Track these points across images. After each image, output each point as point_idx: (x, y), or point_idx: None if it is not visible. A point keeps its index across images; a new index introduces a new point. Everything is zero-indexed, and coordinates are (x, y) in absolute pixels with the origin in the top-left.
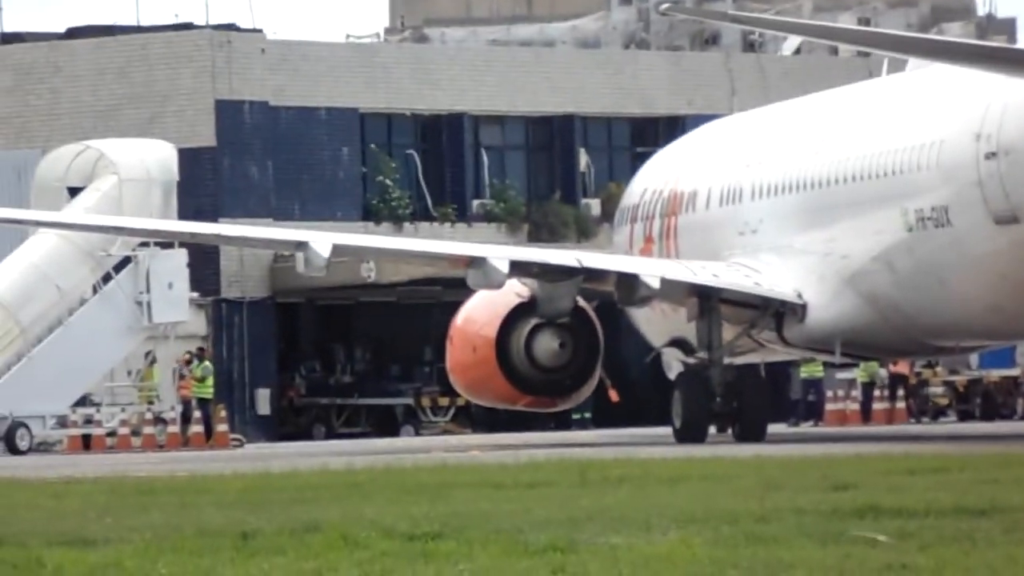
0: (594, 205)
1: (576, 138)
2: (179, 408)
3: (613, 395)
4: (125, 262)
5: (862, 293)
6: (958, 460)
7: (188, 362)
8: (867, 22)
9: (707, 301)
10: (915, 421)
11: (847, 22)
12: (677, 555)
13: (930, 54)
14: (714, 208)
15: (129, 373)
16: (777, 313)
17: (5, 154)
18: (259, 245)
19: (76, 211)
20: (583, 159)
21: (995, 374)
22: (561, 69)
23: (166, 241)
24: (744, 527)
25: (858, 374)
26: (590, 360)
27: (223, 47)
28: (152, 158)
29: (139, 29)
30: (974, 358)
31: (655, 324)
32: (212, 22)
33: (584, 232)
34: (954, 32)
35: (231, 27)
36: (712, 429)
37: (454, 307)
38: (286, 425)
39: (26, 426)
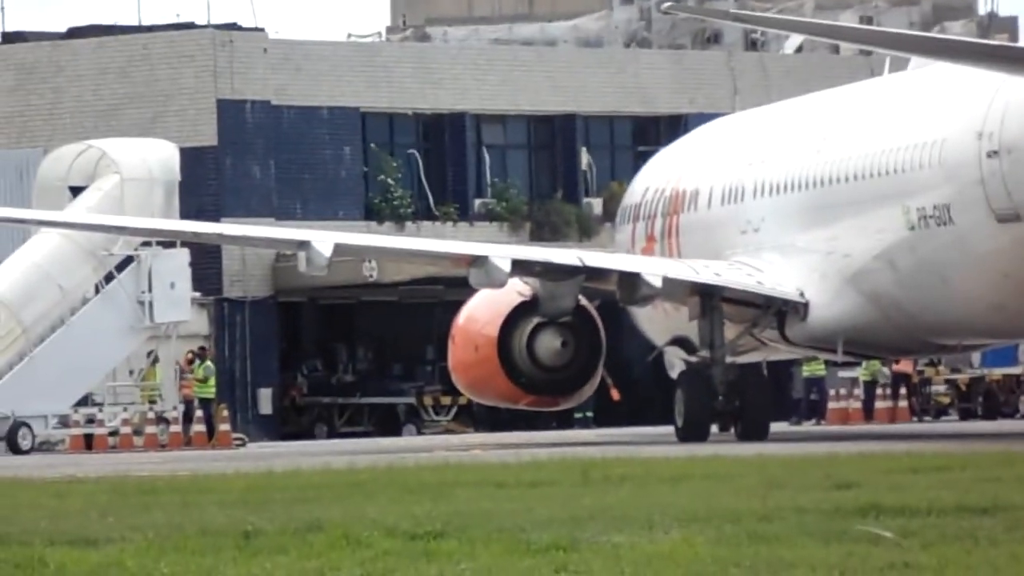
0: (596, 204)
1: (578, 137)
2: (181, 407)
3: (615, 394)
4: (127, 262)
5: (864, 292)
6: (960, 458)
7: (190, 362)
8: (869, 21)
9: (709, 300)
10: (917, 420)
11: (849, 21)
12: (679, 554)
13: (932, 53)
14: (716, 207)
15: (131, 373)
16: (779, 312)
17: (7, 153)
18: (261, 244)
19: (78, 210)
20: (585, 158)
21: (997, 372)
22: (563, 68)
23: (168, 240)
24: (746, 526)
25: (860, 373)
26: (592, 359)
27: (225, 46)
28: (154, 157)
29: (141, 29)
30: (976, 356)
31: (657, 323)
32: (214, 21)
33: (586, 231)
34: (956, 31)
35: (233, 26)
36: (714, 428)
37: (456, 306)
38: (288, 424)
39: (28, 426)
